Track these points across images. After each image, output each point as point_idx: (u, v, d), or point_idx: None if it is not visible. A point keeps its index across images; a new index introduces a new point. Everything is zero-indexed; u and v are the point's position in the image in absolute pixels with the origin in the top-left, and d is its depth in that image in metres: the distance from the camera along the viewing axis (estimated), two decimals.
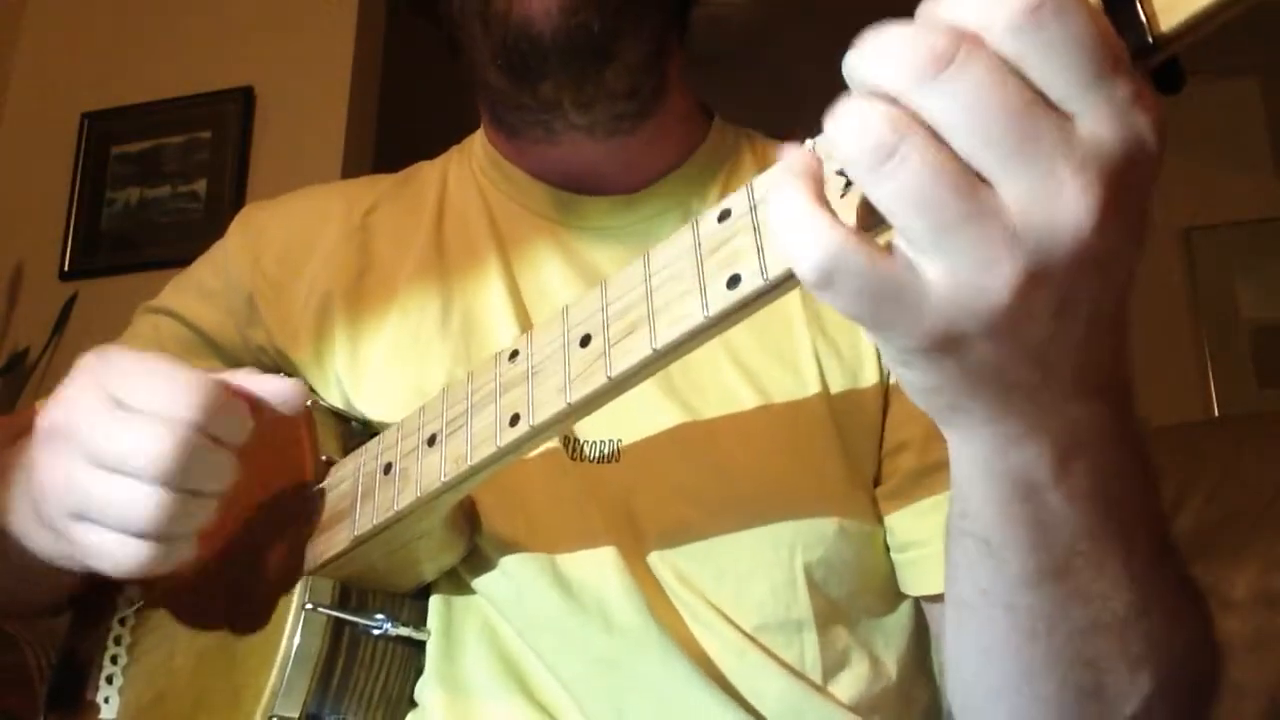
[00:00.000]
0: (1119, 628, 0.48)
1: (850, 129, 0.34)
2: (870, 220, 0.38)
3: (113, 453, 0.54)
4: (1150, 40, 0.34)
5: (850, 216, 0.39)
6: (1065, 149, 0.34)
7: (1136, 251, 0.37)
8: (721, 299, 0.44)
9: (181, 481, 0.54)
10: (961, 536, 0.48)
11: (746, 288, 0.43)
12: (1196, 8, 0.33)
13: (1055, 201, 0.34)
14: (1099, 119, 0.34)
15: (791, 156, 0.38)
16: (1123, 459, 0.44)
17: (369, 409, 0.74)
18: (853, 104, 0.35)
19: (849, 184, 0.39)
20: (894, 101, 0.34)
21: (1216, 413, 2.82)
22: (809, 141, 0.41)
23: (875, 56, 0.34)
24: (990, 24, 0.33)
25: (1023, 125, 0.33)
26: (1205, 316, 2.93)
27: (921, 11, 0.35)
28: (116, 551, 0.55)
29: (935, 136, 0.34)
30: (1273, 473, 1.33)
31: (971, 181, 0.34)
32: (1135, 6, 0.34)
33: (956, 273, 0.35)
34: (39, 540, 0.60)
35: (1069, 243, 0.34)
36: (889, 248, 0.36)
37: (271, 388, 0.61)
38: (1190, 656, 0.53)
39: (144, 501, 0.54)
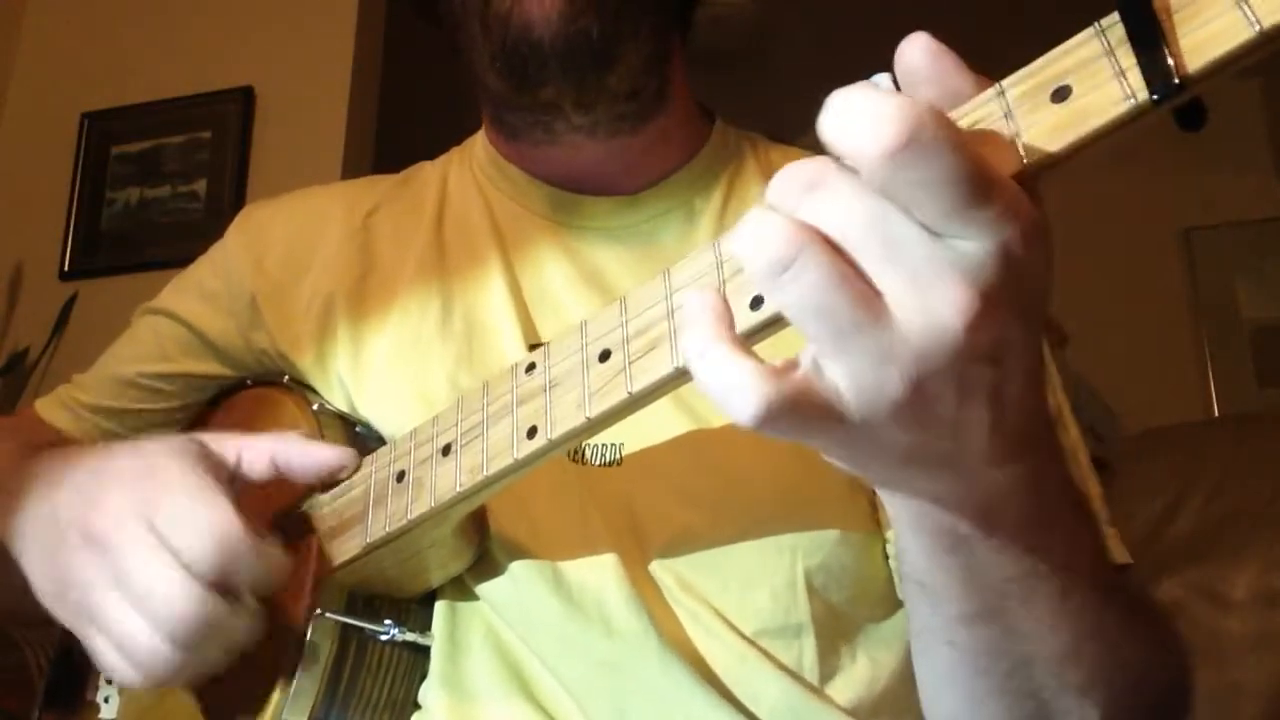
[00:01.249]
0: (1057, 660, 0.50)
1: (750, 243, 0.36)
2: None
3: (135, 587, 0.56)
4: (1177, 81, 0.35)
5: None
6: (930, 261, 0.35)
7: (1031, 340, 0.39)
8: (745, 319, 0.43)
9: (183, 641, 0.55)
10: (904, 578, 0.51)
11: (769, 309, 0.43)
12: (1221, 52, 0.34)
13: (926, 307, 0.36)
14: (965, 237, 0.35)
15: (694, 301, 0.40)
16: (1046, 508, 0.46)
17: (372, 411, 0.74)
18: (752, 216, 0.37)
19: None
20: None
21: (1216, 413, 2.83)
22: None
23: (775, 180, 0.37)
24: (858, 159, 0.35)
25: (887, 238, 0.35)
26: (1205, 316, 2.93)
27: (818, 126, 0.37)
28: (115, 667, 0.57)
29: (832, 248, 0.36)
30: (1273, 473, 1.34)
31: (863, 290, 0.36)
32: (1163, 50, 0.35)
33: (857, 375, 0.37)
34: (48, 601, 0.61)
35: (946, 343, 0.36)
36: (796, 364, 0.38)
37: (325, 457, 0.64)
38: (1145, 678, 0.55)
39: (146, 645, 0.56)
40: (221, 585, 0.55)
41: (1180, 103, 0.36)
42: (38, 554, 0.61)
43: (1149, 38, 0.35)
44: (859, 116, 0.34)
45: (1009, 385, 0.39)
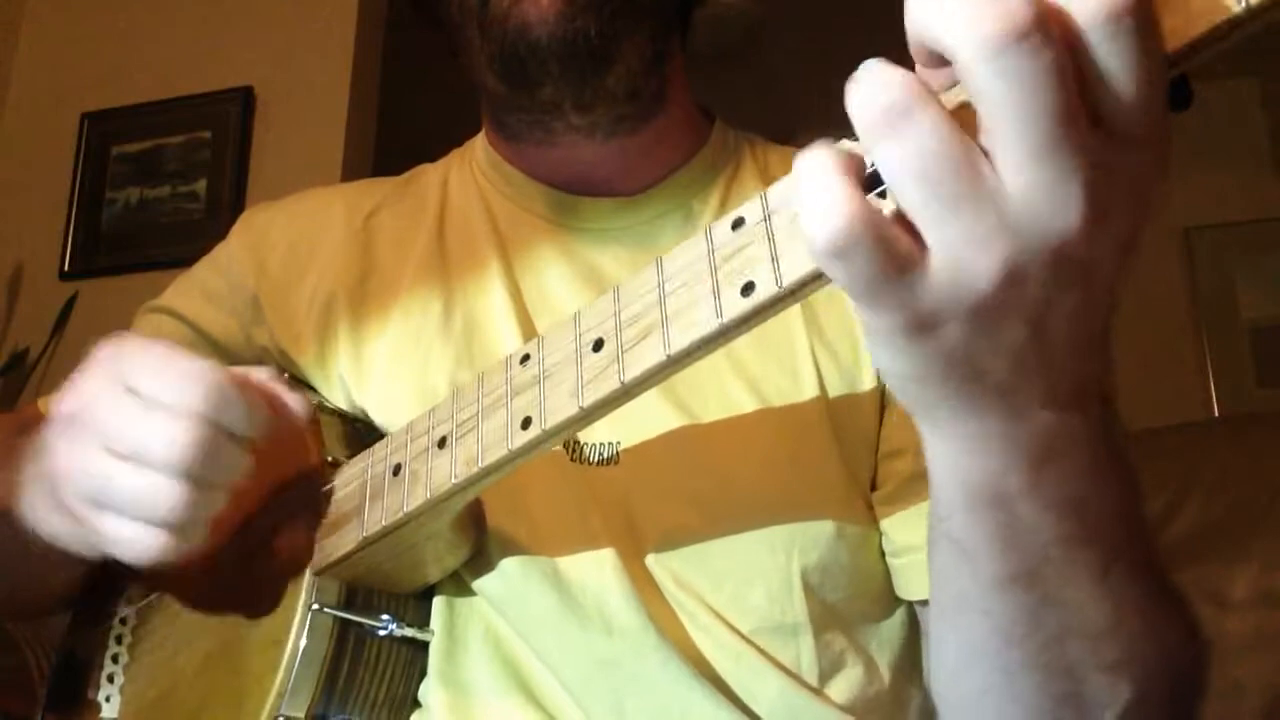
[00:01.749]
0: (1095, 635, 0.48)
1: (867, 88, 0.34)
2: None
3: (129, 442, 0.54)
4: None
5: None
6: (1084, 154, 0.33)
7: (1121, 269, 0.37)
8: (735, 306, 0.44)
9: (197, 472, 0.54)
10: (939, 539, 0.49)
11: (760, 295, 0.43)
12: (1206, 28, 0.33)
13: (1055, 197, 0.34)
14: (1128, 132, 0.33)
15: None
16: (1097, 471, 0.44)
17: (372, 410, 0.74)
18: (872, 65, 0.34)
19: (867, 193, 0.39)
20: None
21: (1216, 413, 2.82)
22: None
23: (948, 11, 0.33)
24: (1083, 8, 0.32)
25: (1065, 118, 0.33)
26: (1205, 316, 2.93)
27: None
28: (134, 538, 0.55)
29: (947, 111, 0.34)
30: (1273, 473, 1.34)
31: (976, 159, 0.34)
32: None
33: (950, 248, 0.35)
34: (55, 525, 0.60)
35: (1056, 241, 0.34)
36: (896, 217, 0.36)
37: (285, 397, 0.62)
38: (1171, 663, 0.53)
39: (161, 491, 0.54)
40: (207, 405, 0.54)
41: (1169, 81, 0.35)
42: (37, 492, 0.60)
43: None
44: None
45: (1088, 317, 0.38)
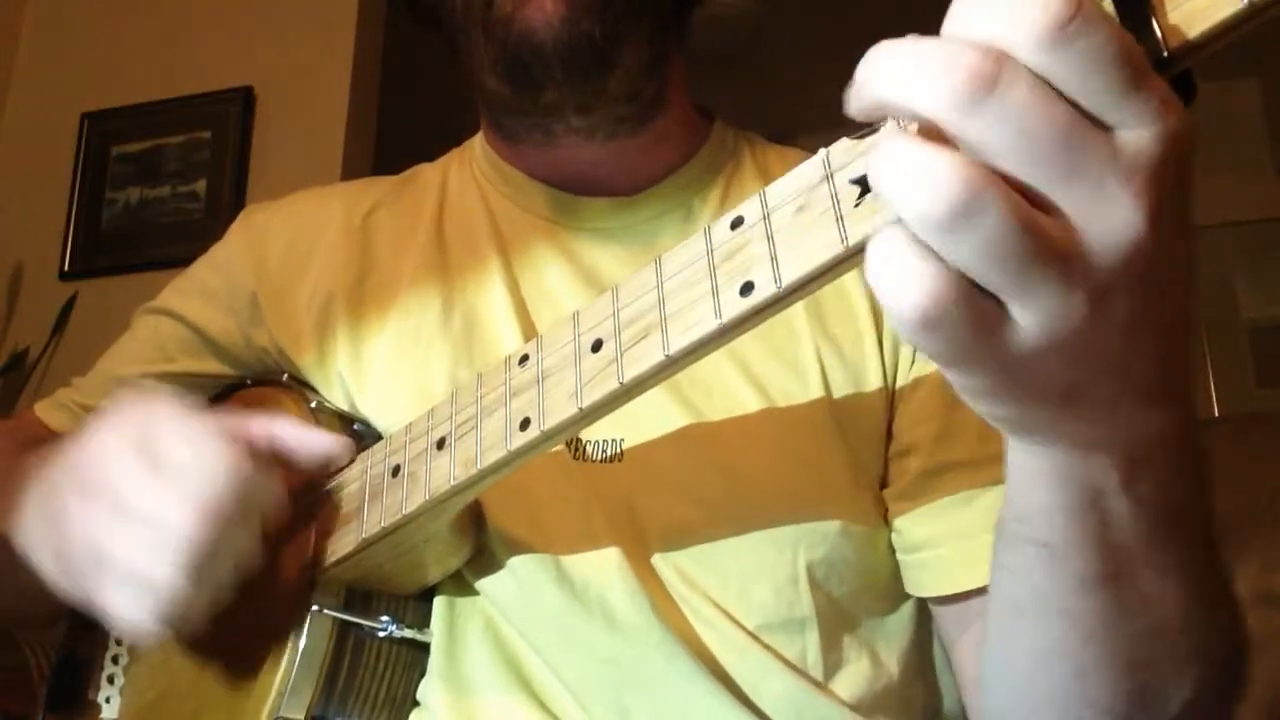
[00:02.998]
0: (1172, 630, 0.48)
1: (918, 185, 0.32)
2: None
3: (145, 512, 0.55)
4: (1165, 55, 0.34)
5: (867, 227, 0.38)
6: (1111, 160, 0.33)
7: (1189, 250, 0.37)
8: (734, 306, 0.44)
9: (205, 553, 0.55)
10: (1019, 542, 0.47)
11: (760, 295, 0.43)
12: (1211, 23, 0.33)
13: (1111, 216, 0.33)
14: (1136, 126, 0.33)
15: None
16: (1185, 464, 0.43)
17: (372, 410, 0.74)
18: (911, 151, 0.32)
19: (864, 192, 0.38)
20: (937, 131, 0.33)
21: (1216, 413, 2.82)
22: (822, 151, 0.41)
23: (906, 76, 0.32)
24: (1022, 43, 0.32)
25: (1071, 144, 0.32)
26: (1205, 316, 2.93)
27: (946, 28, 0.33)
28: (130, 609, 0.56)
29: (1007, 183, 0.32)
30: (1273, 473, 1.34)
31: (1047, 225, 0.33)
32: (1150, 22, 0.34)
33: (1038, 310, 0.34)
34: (52, 574, 0.60)
35: (1130, 254, 0.34)
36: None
37: (317, 443, 0.64)
38: (1231, 654, 0.53)
39: (167, 566, 0.54)
40: (222, 502, 0.55)
41: (1170, 77, 0.35)
42: (39, 529, 0.61)
43: (1136, 10, 0.34)
44: None
45: (1171, 311, 0.37)
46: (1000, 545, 0.49)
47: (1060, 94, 0.32)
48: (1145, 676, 0.49)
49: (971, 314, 0.34)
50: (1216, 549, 0.50)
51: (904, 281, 0.33)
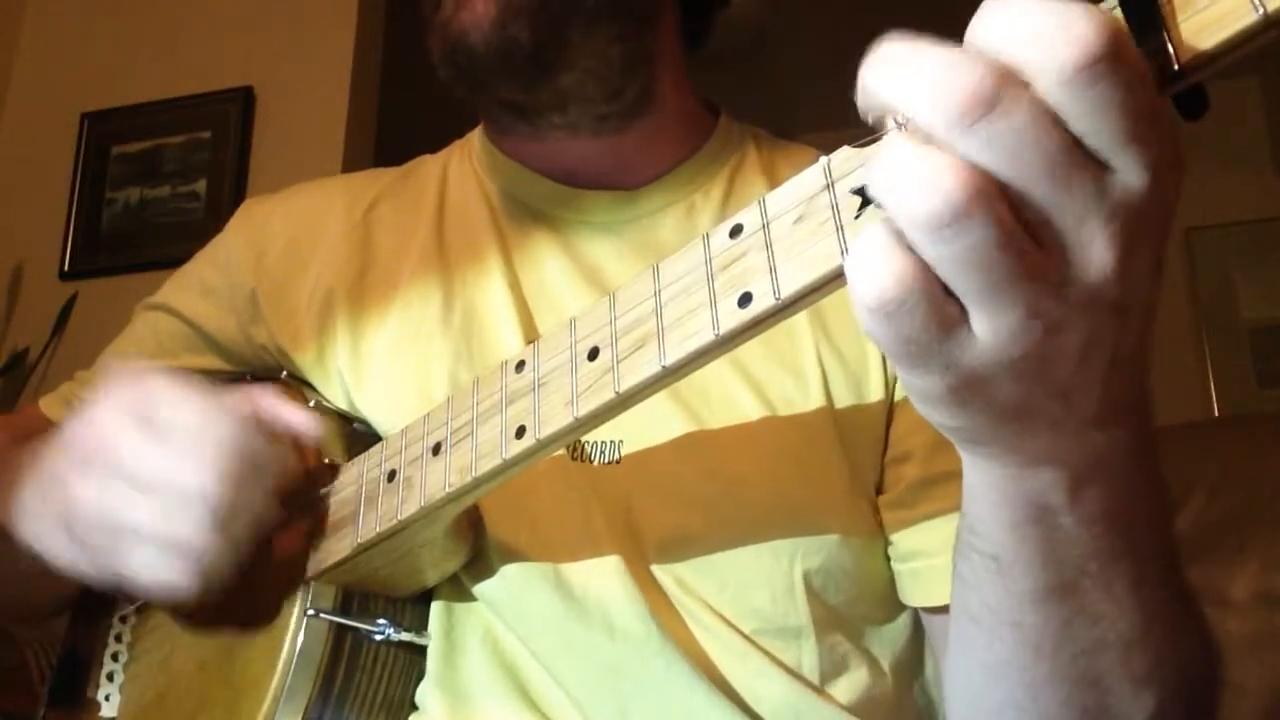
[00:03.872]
0: (1124, 647, 0.48)
1: (911, 184, 0.32)
2: None
3: (156, 475, 0.55)
4: (1176, 68, 0.34)
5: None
6: (1097, 200, 0.33)
7: (1155, 294, 0.37)
8: (732, 317, 0.43)
9: (224, 504, 0.55)
10: (970, 552, 0.48)
11: (758, 307, 0.42)
12: (1223, 37, 0.33)
13: (1087, 251, 0.34)
14: (1133, 174, 0.33)
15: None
16: (1136, 482, 0.44)
17: (371, 406, 0.74)
18: (912, 152, 0.33)
19: (865, 204, 0.38)
20: (928, 138, 0.33)
21: (1216, 413, 2.82)
22: (822, 159, 0.41)
23: (905, 84, 0.33)
24: (1041, 70, 0.31)
25: (1059, 175, 0.32)
26: (1205, 316, 2.93)
27: (969, 36, 0.33)
28: (162, 571, 0.56)
29: (1000, 193, 0.33)
30: (1273, 473, 1.33)
31: (1028, 245, 0.33)
32: (1162, 36, 0.34)
33: (998, 324, 0.35)
34: (67, 556, 0.60)
35: (1097, 291, 0.34)
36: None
37: (296, 418, 0.63)
38: (1192, 670, 0.53)
39: (193, 522, 0.54)
40: (235, 459, 0.55)
41: (1180, 90, 0.35)
42: (42, 513, 0.60)
43: (1148, 24, 0.34)
44: (1047, 20, 0.31)
45: (1128, 344, 0.38)
46: (956, 555, 0.50)
47: (1066, 127, 0.32)
48: (1099, 694, 0.50)
49: (931, 310, 0.34)
50: (1176, 569, 0.50)
51: (873, 266, 0.34)
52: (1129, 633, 0.48)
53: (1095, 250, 0.34)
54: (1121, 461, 0.42)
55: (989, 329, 0.35)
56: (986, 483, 0.44)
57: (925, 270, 0.34)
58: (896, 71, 0.33)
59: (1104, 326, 0.36)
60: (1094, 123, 0.32)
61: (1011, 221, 0.33)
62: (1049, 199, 0.33)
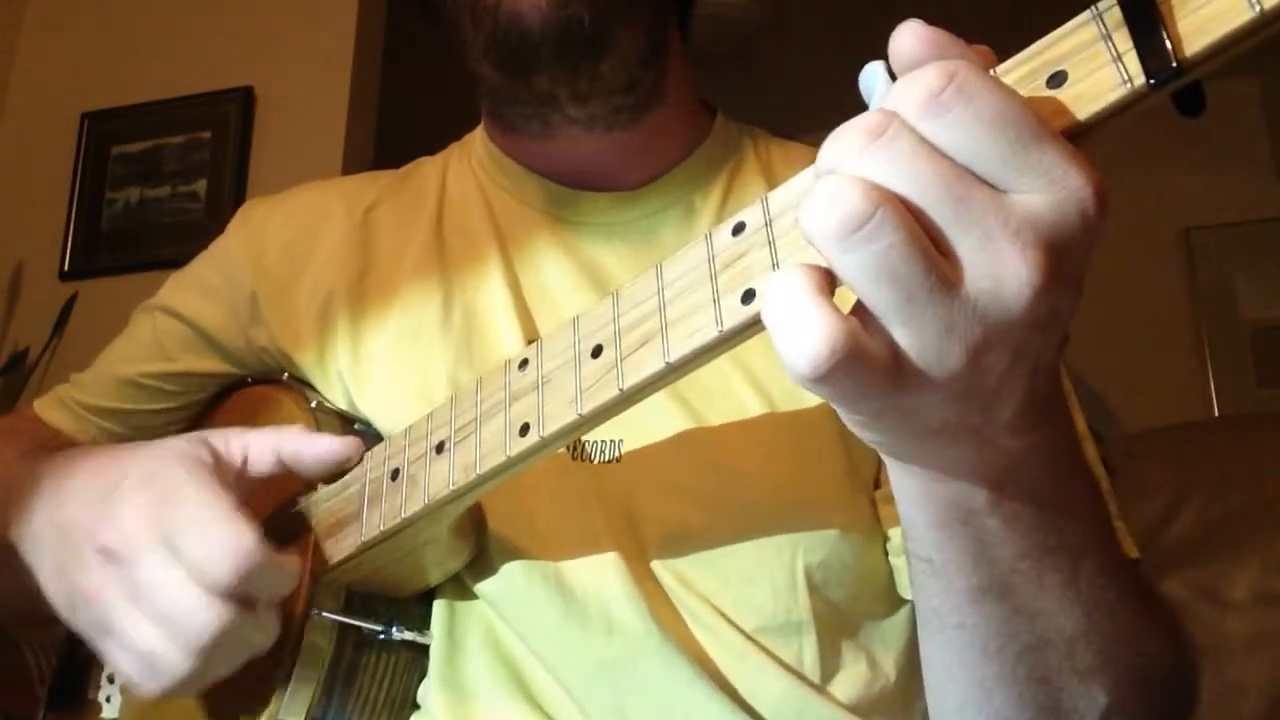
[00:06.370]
0: (1066, 643, 0.49)
1: (823, 201, 0.34)
2: None
3: (157, 604, 0.56)
4: (1175, 65, 0.34)
5: None
6: (999, 217, 0.34)
7: (1074, 306, 0.38)
8: (736, 314, 0.43)
9: (212, 648, 0.56)
10: (912, 557, 0.50)
11: (761, 303, 0.42)
12: (1221, 34, 0.33)
13: (997, 269, 0.35)
14: (1030, 189, 0.34)
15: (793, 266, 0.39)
16: (1058, 484, 0.45)
17: (372, 408, 0.74)
18: (825, 181, 0.35)
19: None
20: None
21: (1216, 413, 2.82)
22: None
23: (831, 137, 0.36)
24: (908, 111, 0.34)
25: (954, 193, 0.34)
26: (1205, 316, 2.93)
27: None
28: (134, 677, 0.58)
29: (906, 209, 0.34)
30: (1273, 473, 1.34)
31: (935, 256, 0.35)
32: (1160, 32, 0.34)
33: (921, 343, 0.36)
34: (56, 603, 0.61)
35: (1012, 306, 0.35)
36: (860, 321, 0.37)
37: (331, 448, 0.64)
38: (1149, 672, 0.54)
39: (175, 658, 0.56)
40: (239, 597, 0.56)
41: (1179, 87, 0.35)
42: (49, 566, 0.62)
43: (1146, 20, 0.34)
44: (911, 62, 0.35)
45: (1047, 354, 0.39)
46: (905, 560, 0.51)
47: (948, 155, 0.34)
48: (1049, 691, 0.51)
49: (865, 359, 0.36)
50: (1119, 565, 0.51)
51: (799, 328, 0.35)
52: (1070, 628, 0.49)
53: (1008, 268, 0.35)
54: (1041, 466, 0.43)
55: (913, 349, 0.36)
56: (913, 489, 0.45)
57: (846, 326, 0.35)
58: (830, 140, 0.36)
59: (1027, 343, 0.37)
60: (966, 148, 0.34)
61: (919, 231, 0.34)
62: (952, 218, 0.35)
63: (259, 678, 0.64)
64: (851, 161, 0.35)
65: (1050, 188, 0.34)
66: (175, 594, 0.55)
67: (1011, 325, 0.36)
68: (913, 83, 0.34)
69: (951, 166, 0.34)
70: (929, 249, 0.34)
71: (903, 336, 0.36)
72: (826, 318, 0.35)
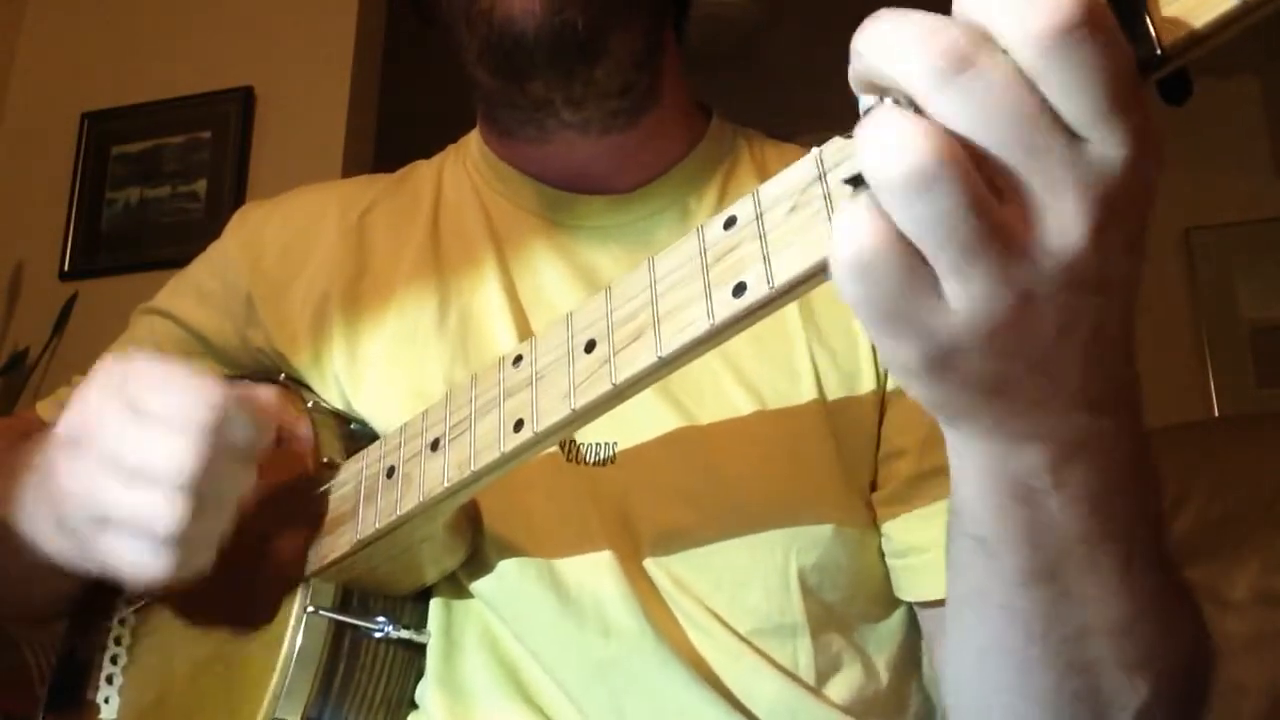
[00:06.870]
0: (1114, 633, 0.48)
1: (882, 148, 0.33)
2: None
3: (132, 460, 0.55)
4: (1159, 52, 0.34)
5: None
6: (1071, 169, 0.33)
7: (1136, 272, 0.37)
8: (727, 307, 0.44)
9: (201, 488, 0.54)
10: (959, 535, 0.48)
11: (752, 296, 0.43)
12: (1205, 19, 0.33)
13: (1059, 219, 0.34)
14: (1109, 146, 0.33)
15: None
16: (1122, 470, 0.44)
17: (368, 409, 0.74)
18: (890, 119, 0.33)
19: (857, 191, 0.39)
20: (910, 102, 0.33)
21: (1216, 413, 2.82)
22: (815, 150, 0.41)
23: (890, 46, 0.33)
24: (1019, 36, 0.32)
25: (1034, 138, 0.33)
26: (1205, 316, 2.92)
27: (956, 6, 0.34)
28: (138, 558, 0.56)
29: (972, 159, 0.33)
30: (1273, 473, 1.34)
31: (998, 213, 0.34)
32: (1145, 18, 0.34)
33: (970, 292, 0.35)
34: (56, 544, 0.60)
35: (1070, 260, 0.34)
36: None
37: (287, 416, 0.64)
38: (1185, 662, 0.53)
39: (166, 508, 0.54)
40: (210, 438, 0.55)
41: (1163, 75, 0.35)
42: (37, 504, 0.60)
43: (1130, 6, 0.34)
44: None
45: (1109, 323, 0.38)
46: (948, 539, 0.50)
47: (1042, 95, 0.33)
48: (1090, 679, 0.50)
49: (904, 271, 0.34)
50: (1168, 564, 0.50)
51: (852, 228, 0.34)
52: (1119, 618, 0.48)
53: (1068, 219, 0.34)
54: (1108, 447, 0.42)
55: (962, 295, 0.35)
56: (971, 462, 0.44)
57: (898, 235, 0.34)
58: (883, 35, 0.34)
59: (1081, 302, 0.36)
60: (1069, 92, 0.32)
61: (983, 187, 0.33)
62: (1022, 164, 0.33)
63: (254, 679, 0.64)
64: (931, 91, 0.32)
65: (1125, 144, 0.33)
66: (150, 445, 0.54)
67: (1063, 280, 0.35)
68: (1034, 4, 0.31)
69: (1036, 108, 0.32)
70: (991, 207, 0.33)
71: (954, 289, 0.35)
72: (879, 220, 0.34)
